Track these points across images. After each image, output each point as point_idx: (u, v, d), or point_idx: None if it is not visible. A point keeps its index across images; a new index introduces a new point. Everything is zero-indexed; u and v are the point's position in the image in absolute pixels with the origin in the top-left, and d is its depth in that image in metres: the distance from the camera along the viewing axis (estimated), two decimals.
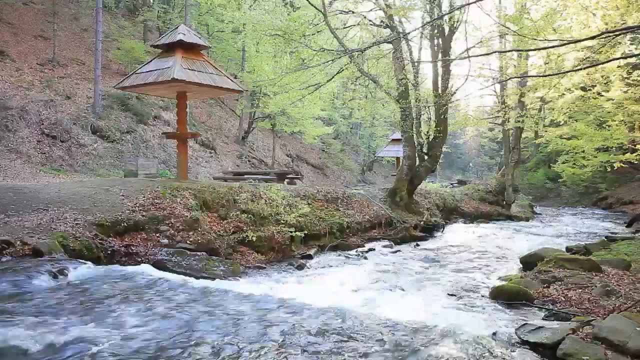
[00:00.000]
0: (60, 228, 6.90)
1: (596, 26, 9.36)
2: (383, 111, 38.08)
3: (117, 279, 5.95)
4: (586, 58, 10.39)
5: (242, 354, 4.04)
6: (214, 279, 6.84)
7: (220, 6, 23.12)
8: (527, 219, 19.15)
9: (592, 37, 6.28)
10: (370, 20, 14.37)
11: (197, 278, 6.69)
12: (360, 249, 10.71)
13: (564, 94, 15.90)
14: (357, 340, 4.51)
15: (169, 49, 10.29)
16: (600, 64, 10.19)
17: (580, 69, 10.32)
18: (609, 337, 4.32)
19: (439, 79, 14.12)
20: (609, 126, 16.01)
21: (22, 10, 23.97)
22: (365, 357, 4.16)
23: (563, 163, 21.34)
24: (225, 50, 28.09)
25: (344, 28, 15.49)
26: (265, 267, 8.54)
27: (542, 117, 20.20)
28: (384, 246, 11.36)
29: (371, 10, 14.31)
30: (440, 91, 13.89)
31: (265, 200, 10.26)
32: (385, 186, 16.18)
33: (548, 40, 8.63)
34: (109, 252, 7.10)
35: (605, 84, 14.16)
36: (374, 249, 10.84)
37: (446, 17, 13.20)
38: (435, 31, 13.99)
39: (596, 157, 16.97)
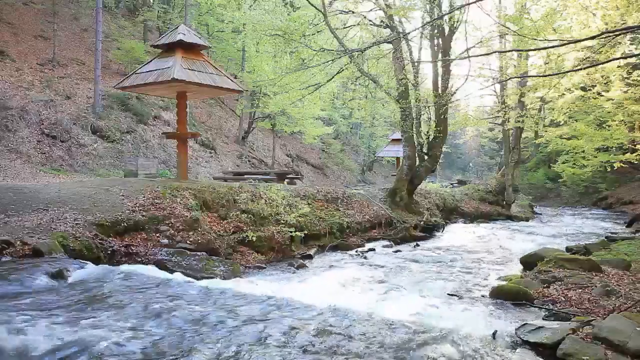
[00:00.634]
0: (60, 228, 6.90)
1: (596, 26, 9.35)
2: (383, 111, 38.08)
3: (117, 279, 5.95)
4: (586, 58, 10.39)
5: (242, 354, 4.04)
6: (214, 279, 6.84)
7: (220, 6, 23.11)
8: (527, 219, 19.15)
9: (592, 37, 6.28)
10: (370, 20, 14.38)
11: (197, 278, 6.69)
12: (360, 249, 10.71)
13: (564, 94, 15.89)
14: (357, 340, 4.51)
15: (169, 49, 10.30)
16: (600, 64, 10.18)
17: (580, 69, 10.32)
18: (609, 337, 4.32)
19: (439, 79, 14.12)
20: (609, 126, 16.00)
21: (22, 10, 23.97)
22: (365, 357, 4.16)
23: (563, 163, 21.34)
24: (225, 50, 28.09)
25: (344, 28, 15.49)
26: (265, 267, 8.54)
27: (542, 117, 20.21)
28: (384, 246, 11.36)
29: (371, 10, 14.33)
30: (440, 91, 13.89)
31: (265, 200, 10.26)
32: (385, 186, 16.18)
33: (548, 40, 8.62)
34: (109, 252, 7.10)
35: (605, 84, 14.16)
36: (374, 249, 10.84)
37: (446, 17, 13.20)
38: (435, 31, 14.00)
39: (596, 157, 16.97)
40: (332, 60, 10.95)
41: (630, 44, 11.71)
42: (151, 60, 10.55)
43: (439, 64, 13.81)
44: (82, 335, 4.08)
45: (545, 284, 6.79)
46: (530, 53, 15.11)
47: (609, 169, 17.82)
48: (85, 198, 8.11)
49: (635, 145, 15.28)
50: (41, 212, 7.25)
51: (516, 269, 8.74)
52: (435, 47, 14.22)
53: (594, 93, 14.67)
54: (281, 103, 18.37)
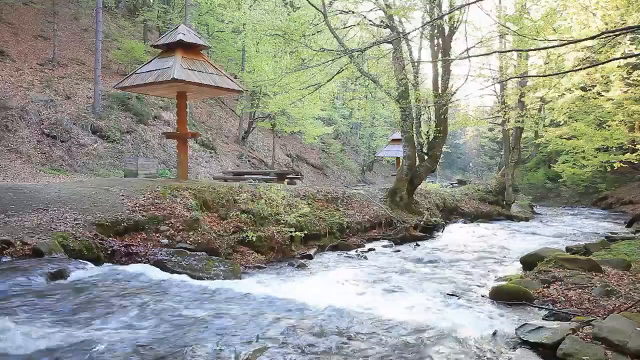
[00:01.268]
0: (60, 228, 6.90)
1: (596, 26, 9.36)
2: (383, 111, 38.10)
3: (117, 279, 5.95)
4: (586, 58, 10.40)
5: (242, 354, 4.04)
6: (214, 279, 6.84)
7: (220, 6, 23.12)
8: (527, 219, 19.15)
9: (592, 37, 6.28)
10: (370, 20, 14.37)
11: (197, 278, 6.69)
12: (360, 249, 10.71)
13: (564, 94, 15.91)
14: (357, 340, 4.51)
15: (169, 49, 10.29)
16: (600, 64, 10.19)
17: (580, 69, 10.33)
18: (609, 337, 4.32)
19: (439, 79, 14.12)
20: (609, 126, 16.01)
21: (22, 10, 23.98)
22: (365, 357, 4.17)
23: (563, 163, 21.37)
24: (225, 50, 28.09)
25: (344, 28, 15.48)
26: (265, 267, 8.55)
27: (542, 117, 20.21)
28: (384, 246, 11.36)
29: (371, 10, 14.32)
30: (440, 91, 13.89)
31: (265, 200, 10.26)
32: (385, 186, 16.17)
33: (548, 40, 8.63)
34: (109, 252, 7.10)
35: (605, 84, 14.17)
36: (374, 249, 10.84)
37: (446, 17, 13.20)
38: (435, 31, 13.99)
39: (596, 157, 16.98)
40: (332, 60, 10.95)
41: (630, 44, 11.71)
42: (151, 60, 10.55)
43: (439, 64, 13.81)
44: (82, 335, 4.08)
45: (545, 284, 6.79)
46: (530, 53, 15.13)
47: (609, 169, 17.82)
48: (85, 198, 8.11)
49: (635, 145, 15.29)
50: (41, 212, 7.25)
51: (516, 269, 8.74)
52: (435, 47, 14.22)
53: (594, 93, 14.69)
54: (281, 103, 18.36)
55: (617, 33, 6.25)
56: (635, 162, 15.49)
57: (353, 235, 11.73)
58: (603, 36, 6.04)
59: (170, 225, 8.21)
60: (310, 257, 9.61)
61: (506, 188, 19.64)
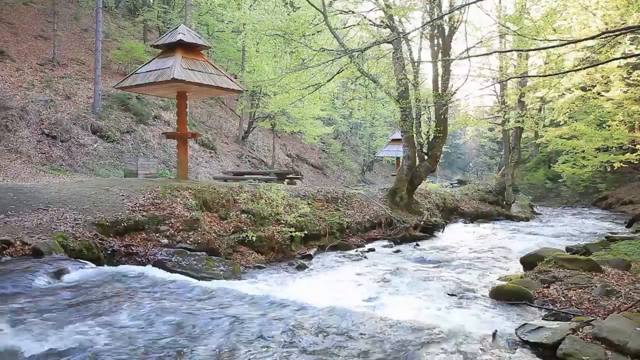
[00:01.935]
0: (60, 228, 6.90)
1: (596, 26, 9.36)
2: (383, 111, 38.07)
3: (117, 279, 5.95)
4: (586, 58, 10.40)
5: (243, 354, 4.04)
6: (214, 279, 6.85)
7: (220, 6, 23.09)
8: (527, 219, 19.15)
9: (592, 37, 6.29)
10: (370, 20, 14.37)
11: (197, 278, 6.69)
12: (360, 249, 10.71)
13: (564, 94, 15.91)
14: (357, 340, 4.51)
15: (169, 49, 10.30)
16: (600, 64, 10.19)
17: (580, 69, 10.33)
18: (609, 337, 4.32)
19: (439, 79, 14.11)
20: (609, 126, 16.01)
21: (22, 10, 23.97)
22: (365, 357, 4.16)
23: (563, 163, 21.37)
24: (225, 50, 28.09)
25: (344, 28, 15.48)
26: (265, 267, 8.55)
27: (542, 117, 20.20)
28: (384, 246, 11.36)
29: (371, 10, 14.32)
30: (440, 91, 13.88)
31: (265, 200, 10.26)
32: (385, 186, 16.17)
33: (548, 40, 8.63)
34: (109, 252, 7.10)
35: (605, 84, 14.16)
36: (374, 249, 10.84)
37: (446, 17, 13.19)
38: (435, 31, 13.99)
39: (596, 157, 16.98)
40: (332, 60, 10.93)
41: (630, 44, 11.71)
42: (151, 60, 10.56)
43: (439, 64, 13.79)
44: (81, 335, 4.08)
45: (545, 284, 6.79)
46: (530, 53, 15.14)
47: (609, 169, 17.84)
48: (85, 198, 8.11)
49: (635, 145, 15.29)
50: (41, 212, 7.25)
51: (516, 269, 8.74)
52: (435, 47, 14.21)
53: (594, 93, 14.68)
54: (281, 103, 18.34)
55: (617, 33, 6.25)
56: (635, 162, 15.49)
57: (353, 235, 11.73)
58: (603, 36, 6.04)
59: (170, 225, 8.21)
60: (310, 257, 9.62)
61: (506, 188, 19.64)
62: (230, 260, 8.21)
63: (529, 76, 15.51)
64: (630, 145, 16.05)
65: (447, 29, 13.81)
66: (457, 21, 13.57)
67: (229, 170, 20.83)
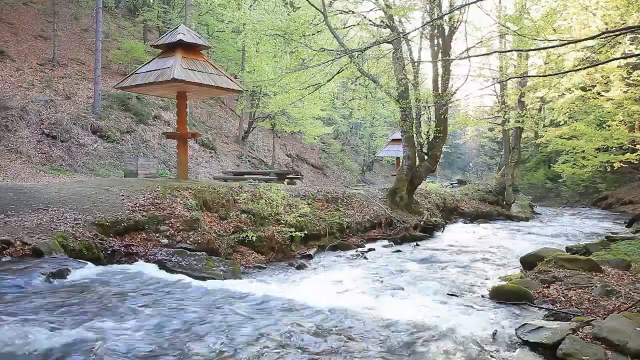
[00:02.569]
0: (60, 228, 6.90)
1: (596, 26, 9.36)
2: (383, 111, 38.07)
3: (117, 279, 5.95)
4: (586, 58, 10.40)
5: (242, 354, 4.04)
6: (214, 279, 6.84)
7: (220, 6, 23.09)
8: (527, 219, 19.15)
9: (592, 37, 6.28)
10: (370, 20, 14.37)
11: (197, 278, 6.69)
12: (360, 249, 10.70)
13: (564, 94, 15.91)
14: (357, 340, 4.51)
15: (169, 49, 10.30)
16: (600, 64, 10.19)
17: (580, 69, 10.33)
18: (609, 337, 4.32)
19: (439, 79, 14.11)
20: (609, 126, 16.01)
21: (22, 10, 23.97)
22: (365, 357, 4.16)
23: (563, 163, 21.37)
24: (225, 50, 28.09)
25: (344, 28, 15.48)
26: (265, 267, 8.55)
27: (542, 117, 20.21)
28: (384, 246, 11.36)
29: (371, 10, 14.32)
30: (440, 91, 13.88)
31: (265, 200, 10.26)
32: (385, 186, 16.17)
33: (548, 40, 8.63)
34: (109, 252, 7.10)
35: (605, 84, 14.16)
36: (374, 249, 10.84)
37: (446, 17, 13.19)
38: (435, 31, 13.99)
39: (596, 157, 16.98)
40: (332, 60, 10.93)
41: (630, 44, 11.71)
42: (151, 60, 10.56)
43: (439, 64, 13.79)
44: (81, 336, 4.08)
45: (545, 284, 6.79)
46: (530, 53, 15.14)
47: (609, 169, 17.83)
48: (85, 198, 8.11)
49: (635, 145, 15.29)
50: (41, 212, 7.25)
51: (516, 268, 8.74)
52: (435, 47, 14.21)
53: (594, 93, 14.67)
54: (281, 103, 18.34)
55: (617, 33, 6.25)
56: (635, 162, 15.49)
57: (353, 235, 11.73)
58: (603, 36, 6.04)
59: (170, 225, 8.21)
60: (310, 257, 9.62)
61: (506, 188, 19.64)
62: (230, 260, 8.21)
63: (529, 76, 15.51)
64: (630, 145, 16.04)
65: (447, 29, 13.81)
66: (457, 21, 13.58)
67: (229, 170, 20.83)
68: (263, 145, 29.50)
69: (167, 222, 8.24)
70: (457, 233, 14.40)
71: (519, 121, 18.14)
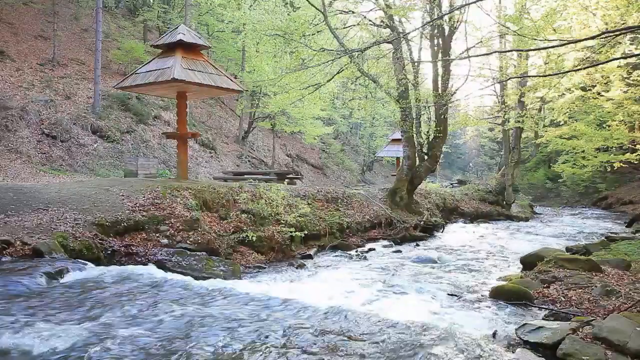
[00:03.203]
0: (60, 228, 6.90)
1: (596, 26, 9.36)
2: (383, 111, 38.07)
3: (117, 279, 5.95)
4: (586, 58, 10.40)
5: (243, 354, 4.04)
6: (214, 278, 6.84)
7: (220, 6, 23.09)
8: (527, 219, 19.15)
9: (592, 37, 6.28)
10: (370, 20, 14.37)
11: (197, 278, 6.69)
12: (360, 249, 10.71)
13: (564, 94, 15.91)
14: (357, 340, 4.51)
15: (169, 49, 10.30)
16: (600, 64, 10.19)
17: (580, 69, 10.33)
18: (609, 337, 4.32)
19: (439, 79, 14.11)
20: (609, 126, 16.01)
21: (22, 10, 23.97)
22: (365, 357, 4.16)
23: (563, 163, 21.37)
24: (225, 50, 28.09)
25: (344, 28, 15.48)
26: (265, 267, 8.55)
27: (542, 117, 20.21)
28: (384, 246, 11.36)
29: (371, 10, 14.32)
30: (440, 91, 13.89)
31: (265, 200, 10.26)
32: (385, 186, 16.17)
33: (548, 40, 8.63)
34: (109, 252, 7.10)
35: (605, 84, 14.16)
36: (374, 249, 10.84)
37: (446, 17, 13.19)
38: (435, 31, 13.99)
39: (596, 157, 16.98)
40: (332, 60, 10.93)
41: (630, 44, 11.71)
42: (151, 60, 10.56)
43: (439, 64, 13.80)
44: (80, 336, 4.08)
45: (545, 284, 6.79)
46: (530, 53, 15.14)
47: (609, 169, 17.83)
48: (85, 198, 8.11)
49: (635, 145, 15.29)
50: (41, 212, 7.25)
51: (516, 269, 8.74)
52: (435, 47, 14.21)
53: (594, 93, 14.67)
54: (281, 103, 18.34)
55: (617, 33, 6.25)
56: (635, 162, 15.49)
57: (353, 235, 11.73)
58: (603, 36, 6.04)
59: (170, 225, 8.21)
60: (310, 257, 9.62)
61: (506, 188, 19.64)
62: (230, 260, 8.21)
63: (529, 76, 15.51)
64: (630, 145, 16.04)
65: (447, 29, 13.81)
66: (457, 21, 13.58)
67: (229, 170, 20.83)
68: (263, 145, 29.50)
69: (167, 222, 8.24)
70: (457, 233, 14.41)
71: (519, 121, 18.14)
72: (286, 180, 14.71)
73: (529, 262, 8.37)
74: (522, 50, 13.53)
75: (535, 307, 6.02)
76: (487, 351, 4.43)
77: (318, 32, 13.94)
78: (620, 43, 10.05)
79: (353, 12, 14.48)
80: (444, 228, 14.50)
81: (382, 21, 14.14)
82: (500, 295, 6.44)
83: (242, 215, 9.57)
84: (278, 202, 10.35)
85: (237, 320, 4.83)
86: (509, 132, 19.99)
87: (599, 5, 9.18)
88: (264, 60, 20.68)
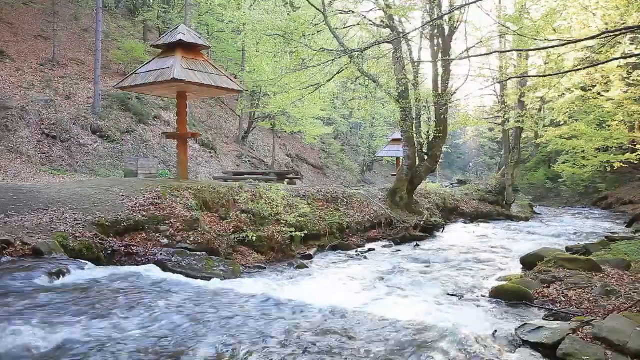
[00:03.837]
0: (60, 228, 6.90)
1: (596, 26, 9.36)
2: (383, 111, 38.07)
3: (117, 279, 5.95)
4: (586, 58, 10.40)
5: (243, 354, 4.04)
6: (214, 278, 6.84)
7: (220, 6, 23.09)
8: (527, 219, 19.15)
9: (592, 37, 6.28)
10: (370, 20, 14.37)
11: (197, 278, 6.69)
12: (360, 249, 10.71)
13: (564, 94, 15.91)
14: (357, 340, 4.51)
15: (169, 49, 10.30)
16: (600, 64, 10.19)
17: (580, 69, 10.33)
18: (609, 337, 4.32)
19: (439, 79, 14.11)
20: (609, 126, 16.00)
21: (22, 10, 23.97)
22: (365, 357, 4.16)
23: (563, 163, 21.38)
24: (225, 50, 28.09)
25: (344, 28, 15.47)
26: (265, 267, 8.54)
27: (542, 117, 20.20)
28: (384, 246, 11.36)
29: (371, 10, 14.31)
30: (440, 91, 13.88)
31: (265, 200, 10.26)
32: (385, 186, 16.17)
33: (548, 40, 8.63)
34: (109, 252, 7.10)
35: (605, 84, 14.16)
36: (374, 249, 10.84)
37: (446, 17, 13.18)
38: (435, 31, 13.98)
39: (596, 157, 16.98)
40: (332, 60, 10.92)
41: (630, 44, 11.71)
42: (151, 60, 10.55)
43: (439, 64, 13.79)
44: (80, 336, 4.08)
45: (545, 284, 6.79)
46: (530, 53, 15.14)
47: (609, 169, 17.83)
48: (85, 198, 8.11)
49: (635, 145, 15.28)
50: (41, 212, 7.25)
51: (516, 269, 8.74)
52: (435, 47, 14.21)
53: (594, 93, 14.67)
54: (281, 103, 18.33)
55: (617, 33, 6.25)
56: (635, 162, 15.49)
57: (353, 235, 11.73)
58: (603, 36, 6.04)
59: (170, 225, 8.21)
60: (310, 257, 9.62)
61: (506, 188, 19.64)
62: (230, 260, 8.21)
63: (529, 76, 15.51)
64: (630, 145, 16.04)
65: (447, 29, 13.81)
66: (457, 21, 13.57)
67: (229, 170, 20.83)
68: (263, 145, 29.50)
69: (167, 222, 8.24)
70: (457, 233, 14.40)
71: (519, 121, 18.14)
72: (286, 180, 14.71)
73: (529, 262, 8.37)
74: (522, 50, 13.53)
75: (535, 307, 6.02)
76: (487, 351, 4.43)
77: (318, 32, 13.94)
78: (620, 43, 10.05)
79: (353, 12, 14.47)
80: (444, 228, 14.49)
81: (382, 21, 14.14)
82: (500, 295, 6.45)
83: (242, 215, 9.57)
84: (278, 202, 10.35)
85: (236, 320, 4.83)
86: (509, 132, 19.99)
87: (599, 5, 9.19)
88: (264, 60, 20.68)
